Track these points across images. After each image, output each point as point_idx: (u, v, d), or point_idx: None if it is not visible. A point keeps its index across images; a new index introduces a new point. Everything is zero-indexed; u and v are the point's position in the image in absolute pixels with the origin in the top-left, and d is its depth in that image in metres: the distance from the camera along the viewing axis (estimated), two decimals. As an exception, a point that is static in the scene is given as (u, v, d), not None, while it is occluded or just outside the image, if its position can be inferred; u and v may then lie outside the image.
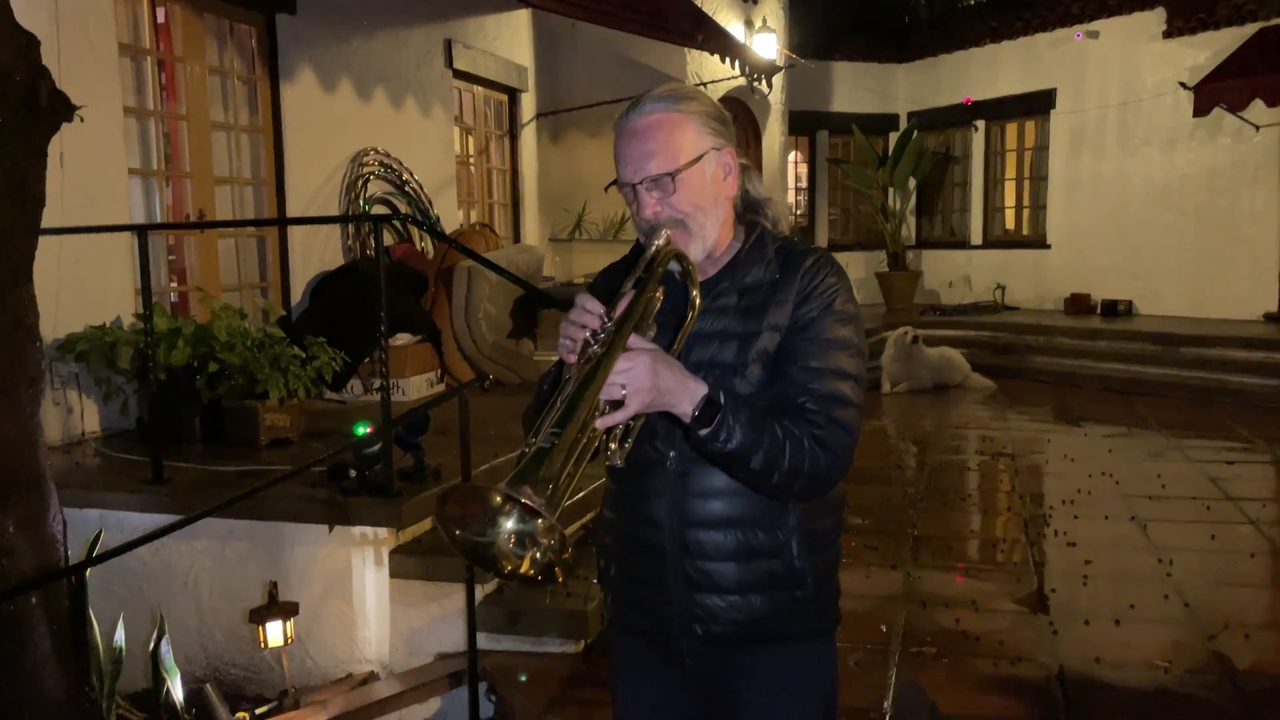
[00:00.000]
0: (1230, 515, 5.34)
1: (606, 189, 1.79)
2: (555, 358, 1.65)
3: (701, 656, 1.78)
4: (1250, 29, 10.07)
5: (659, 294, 1.64)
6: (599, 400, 1.45)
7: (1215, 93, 9.67)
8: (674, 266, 1.68)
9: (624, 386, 1.48)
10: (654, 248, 1.67)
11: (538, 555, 1.34)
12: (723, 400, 1.57)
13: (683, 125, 1.69)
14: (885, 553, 4.82)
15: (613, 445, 1.54)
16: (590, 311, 1.53)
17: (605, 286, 1.83)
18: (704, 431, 1.56)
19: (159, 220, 5.91)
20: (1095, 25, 11.62)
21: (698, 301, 1.66)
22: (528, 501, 1.27)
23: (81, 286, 5.00)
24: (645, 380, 1.49)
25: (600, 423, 1.46)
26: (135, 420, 5.13)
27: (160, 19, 5.95)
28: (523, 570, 1.36)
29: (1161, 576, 4.44)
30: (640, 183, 1.69)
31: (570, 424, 1.37)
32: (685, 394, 1.55)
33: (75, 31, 4.97)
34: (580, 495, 4.10)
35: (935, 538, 5.13)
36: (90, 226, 4.69)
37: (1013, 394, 9.39)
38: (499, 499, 1.32)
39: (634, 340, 1.53)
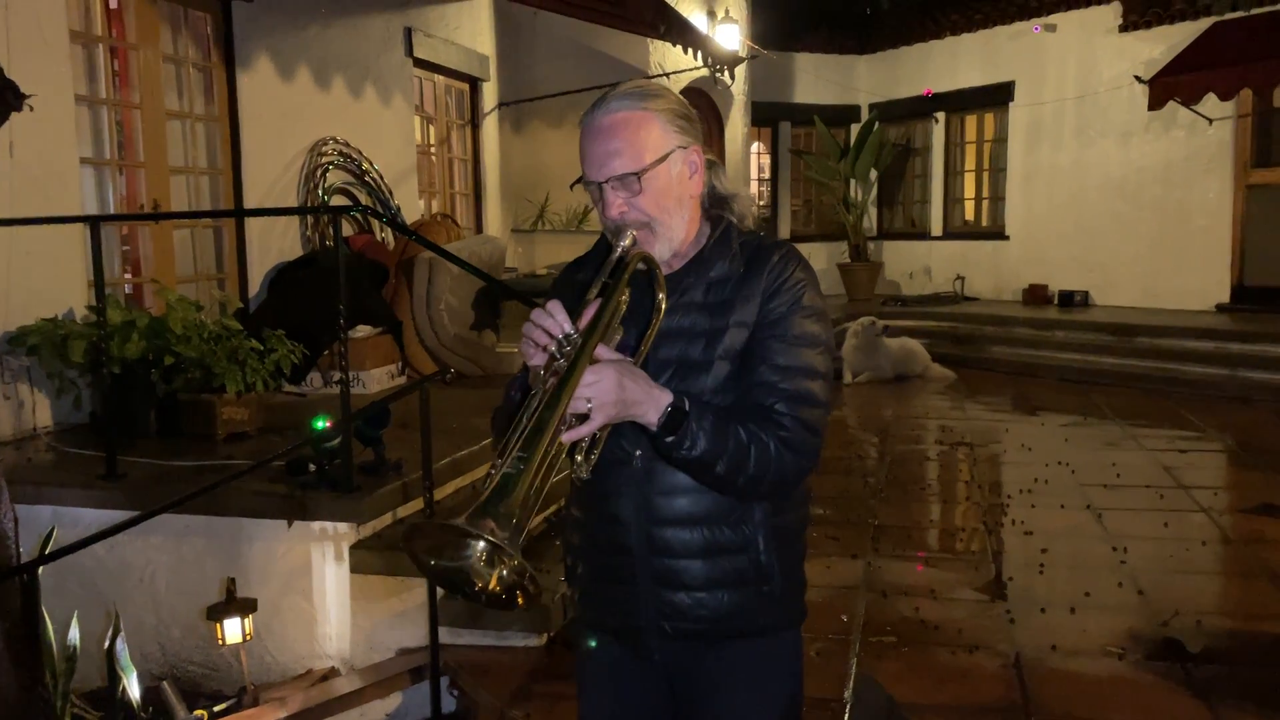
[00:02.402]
0: (1183, 503, 5.44)
1: (572, 186, 1.78)
2: (518, 350, 1.64)
3: (670, 652, 1.79)
4: (1204, 23, 10.23)
5: (625, 296, 1.63)
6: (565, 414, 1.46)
7: (1170, 86, 9.81)
8: (641, 265, 1.68)
9: (589, 400, 1.48)
10: (620, 250, 1.66)
11: (504, 573, 1.38)
12: (688, 408, 1.58)
13: (648, 123, 1.67)
14: (846, 543, 4.86)
15: (578, 457, 1.56)
16: (555, 318, 1.53)
17: (570, 282, 1.83)
18: (669, 439, 1.58)
19: (112, 211, 5.81)
20: (1053, 18, 11.74)
21: (664, 305, 1.66)
22: (490, 538, 1.30)
23: (32, 278, 4.91)
24: (611, 394, 1.50)
25: (566, 437, 1.47)
26: (89, 415, 5.04)
27: (113, 5, 5.84)
28: (491, 587, 1.40)
29: (1116, 564, 4.51)
30: (606, 182, 1.67)
31: (536, 446, 1.39)
32: (651, 404, 1.56)
33: (26, 18, 4.87)
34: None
35: (895, 527, 5.19)
36: (41, 217, 4.61)
37: (972, 384, 9.49)
38: (464, 535, 1.34)
39: (600, 350, 1.54)
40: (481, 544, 1.35)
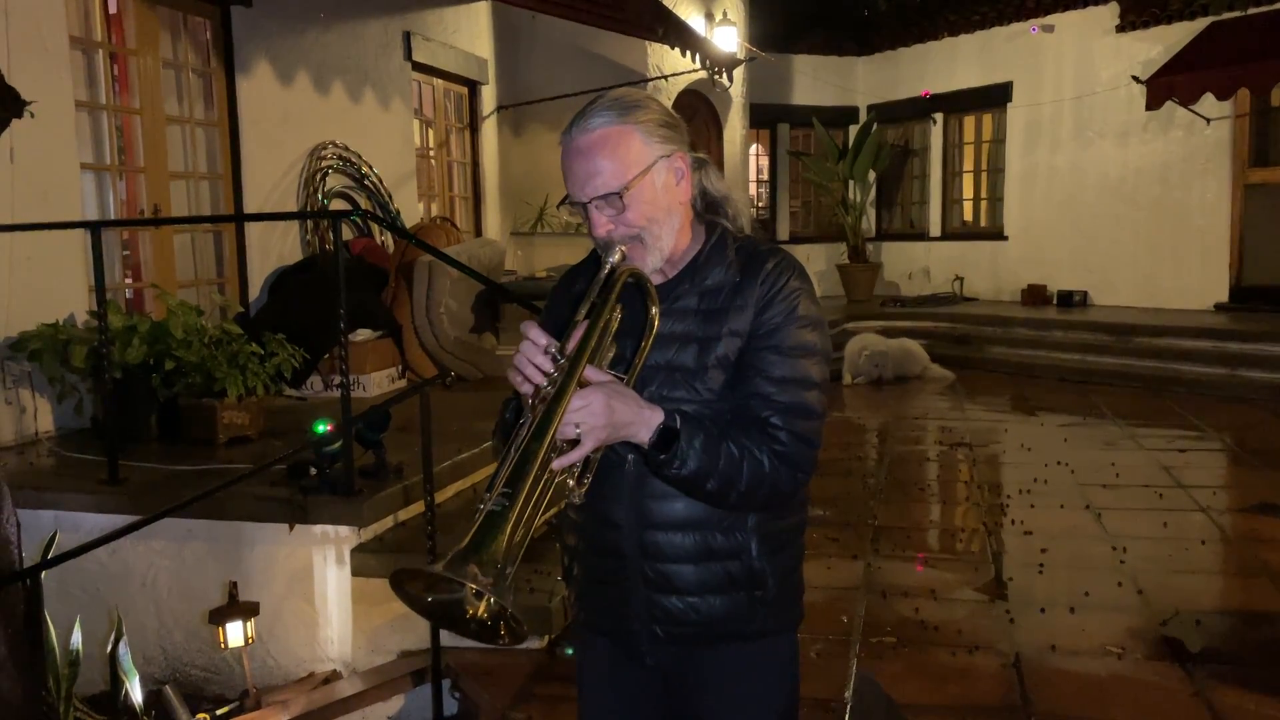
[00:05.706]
0: (1182, 503, 5.45)
1: (559, 206, 1.78)
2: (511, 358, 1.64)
3: (663, 656, 1.79)
4: (1201, 23, 10.24)
5: (617, 313, 1.62)
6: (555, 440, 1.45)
7: (1167, 86, 9.83)
8: (630, 280, 1.65)
9: (578, 426, 1.48)
10: (609, 267, 1.64)
11: (491, 603, 1.37)
12: (679, 425, 1.57)
13: (628, 138, 1.64)
14: (846, 544, 4.87)
15: (570, 482, 1.54)
16: (539, 347, 1.52)
17: (567, 293, 1.82)
18: (661, 456, 1.57)
19: (112, 216, 5.83)
20: (1050, 19, 11.75)
21: (656, 320, 1.63)
22: (473, 585, 1.29)
23: (33, 284, 4.92)
24: (600, 418, 1.49)
25: (557, 464, 1.46)
26: (90, 419, 5.06)
27: (113, 11, 5.86)
28: (479, 615, 1.39)
29: (1115, 564, 4.53)
30: (590, 201, 1.66)
31: (522, 479, 1.37)
32: (642, 424, 1.55)
33: (26, 24, 4.88)
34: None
35: (895, 528, 5.20)
36: (42, 223, 4.62)
37: (971, 384, 9.50)
38: (448, 581, 1.33)
39: (590, 372, 1.53)
40: (465, 589, 1.35)
